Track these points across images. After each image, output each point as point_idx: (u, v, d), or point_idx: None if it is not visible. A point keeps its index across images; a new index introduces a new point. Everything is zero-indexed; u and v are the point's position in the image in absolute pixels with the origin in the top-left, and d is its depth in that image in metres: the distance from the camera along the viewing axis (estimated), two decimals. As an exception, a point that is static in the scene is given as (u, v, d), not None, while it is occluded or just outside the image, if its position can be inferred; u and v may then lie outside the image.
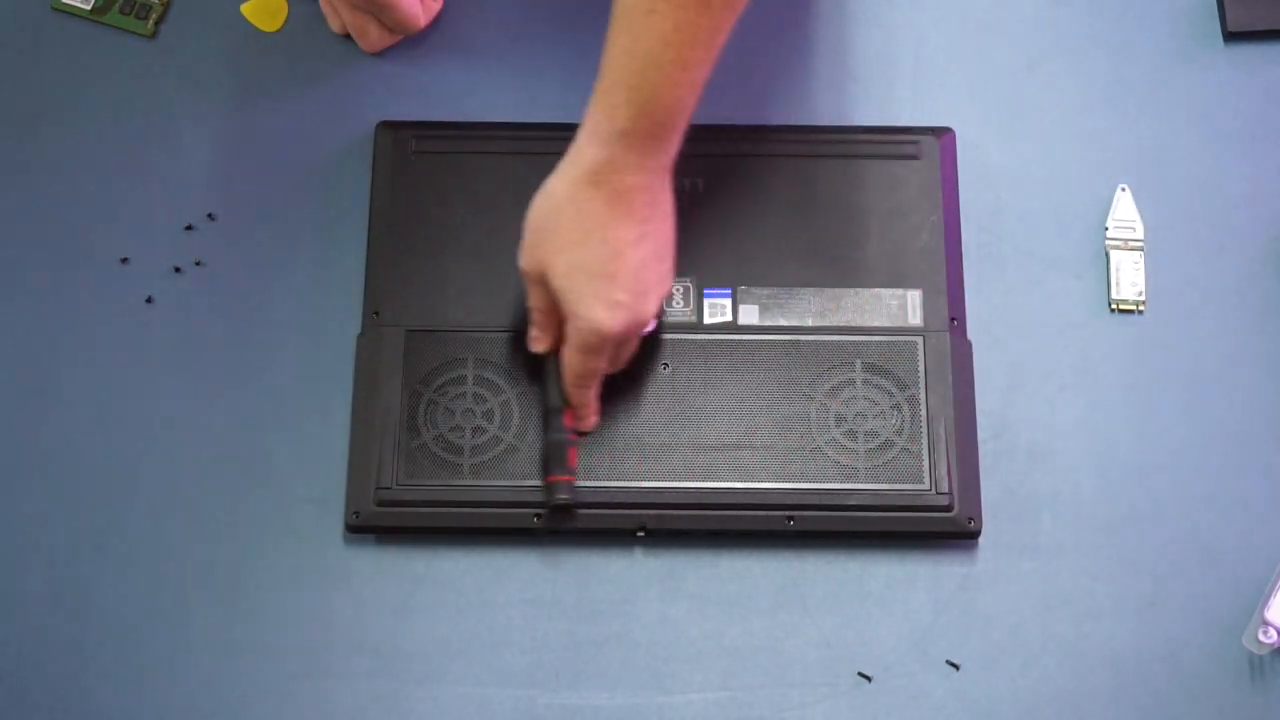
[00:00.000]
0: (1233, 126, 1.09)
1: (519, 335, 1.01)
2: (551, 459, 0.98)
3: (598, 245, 0.91)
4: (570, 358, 0.96)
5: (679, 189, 1.04)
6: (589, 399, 0.98)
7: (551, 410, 0.99)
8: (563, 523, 0.98)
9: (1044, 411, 1.03)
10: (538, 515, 0.99)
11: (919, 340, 1.02)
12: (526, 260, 0.94)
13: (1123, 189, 1.07)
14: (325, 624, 0.98)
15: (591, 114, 0.91)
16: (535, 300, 0.96)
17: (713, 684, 0.97)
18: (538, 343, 0.98)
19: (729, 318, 1.02)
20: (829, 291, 1.03)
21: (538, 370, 1.00)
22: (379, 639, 0.98)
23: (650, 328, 0.98)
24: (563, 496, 0.97)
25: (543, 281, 0.94)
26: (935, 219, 1.04)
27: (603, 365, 0.96)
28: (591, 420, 0.99)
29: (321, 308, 1.04)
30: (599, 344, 0.94)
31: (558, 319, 0.95)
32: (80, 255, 1.05)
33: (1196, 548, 1.00)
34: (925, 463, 0.99)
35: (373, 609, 0.99)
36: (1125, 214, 1.07)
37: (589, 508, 0.99)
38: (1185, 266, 1.06)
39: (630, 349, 0.98)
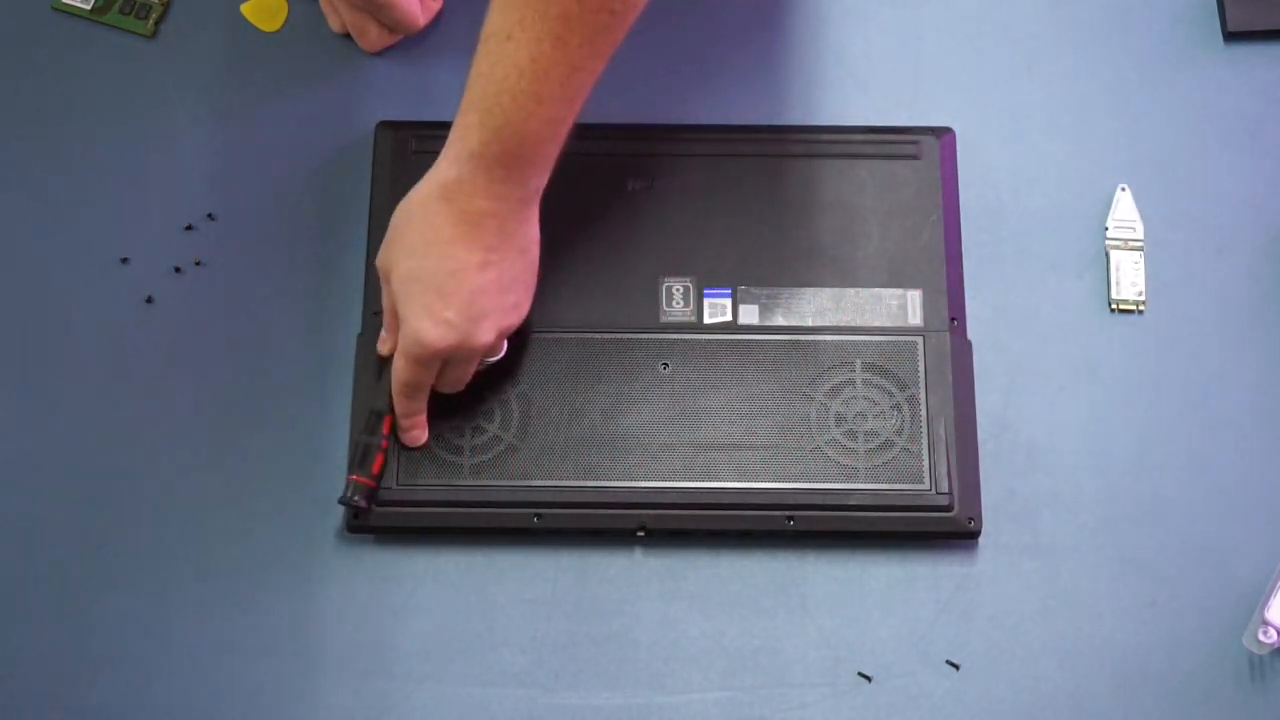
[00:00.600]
0: (1233, 126, 1.09)
1: (519, 335, 1.01)
2: (356, 458, 0.97)
3: (437, 260, 0.91)
4: (397, 363, 0.96)
5: (679, 188, 1.05)
6: (413, 410, 0.97)
7: (373, 412, 0.98)
8: (359, 521, 0.97)
9: (1044, 411, 1.03)
10: (538, 515, 0.99)
11: (919, 340, 1.02)
12: (379, 259, 0.95)
13: (1123, 189, 1.07)
14: (325, 624, 0.98)
15: (452, 131, 0.91)
16: (386, 299, 0.96)
17: (713, 684, 0.97)
18: (383, 344, 0.99)
19: (729, 318, 1.02)
20: (829, 291, 1.03)
21: (538, 370, 1.00)
22: (379, 639, 0.98)
23: (497, 356, 0.98)
24: (356, 498, 0.97)
25: (387, 282, 0.94)
26: (935, 219, 1.04)
27: (427, 379, 0.96)
28: (414, 434, 0.98)
29: (321, 308, 1.04)
30: (422, 356, 0.94)
31: (395, 316, 0.96)
32: (80, 255, 1.05)
33: (1196, 548, 1.00)
34: (925, 463, 0.99)
35: (373, 609, 0.99)
36: (1125, 214, 1.07)
37: (589, 508, 0.99)
38: (1185, 266, 1.06)
39: (462, 372, 0.97)
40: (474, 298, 0.93)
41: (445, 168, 0.91)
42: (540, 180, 0.93)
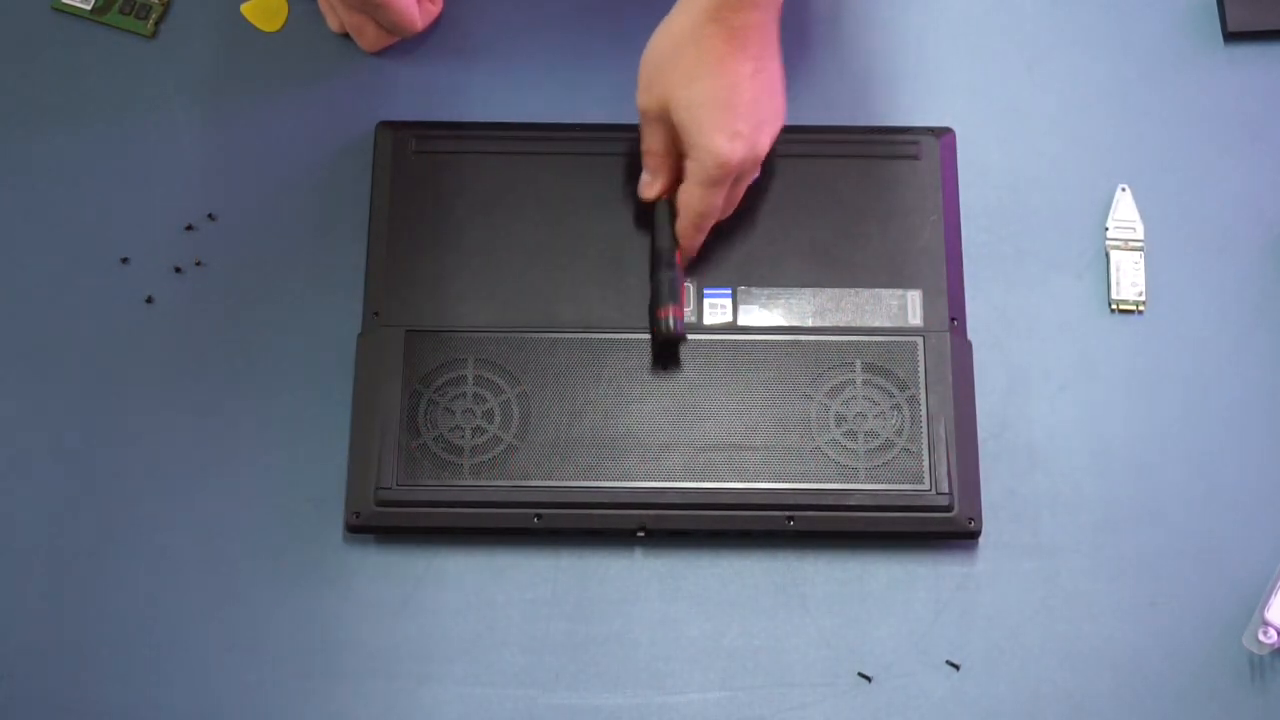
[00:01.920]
0: (1233, 126, 1.09)
1: (519, 335, 1.01)
2: (662, 294, 0.99)
3: (718, 78, 0.93)
4: (690, 194, 0.98)
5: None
6: (700, 242, 1.00)
7: (663, 250, 1.00)
8: (671, 349, 0.99)
9: (1044, 411, 1.03)
10: (538, 515, 0.99)
11: (919, 340, 1.02)
12: (645, 98, 0.96)
13: (1123, 189, 1.07)
14: (325, 624, 0.98)
15: None
16: (651, 141, 0.98)
17: (713, 684, 0.97)
18: (649, 188, 1.00)
19: (729, 318, 1.02)
20: (829, 291, 1.03)
21: (538, 370, 1.00)
22: (379, 639, 0.98)
23: (756, 175, 0.99)
24: (674, 327, 0.98)
25: (662, 118, 0.95)
26: (935, 219, 1.04)
27: (719, 202, 0.98)
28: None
29: (321, 308, 1.04)
30: (720, 176, 0.96)
31: (671, 161, 0.98)
32: (80, 255, 1.05)
33: (1196, 548, 1.00)
34: (925, 463, 0.99)
35: (373, 609, 0.99)
36: (1125, 214, 1.07)
37: (589, 508, 0.99)
38: (1185, 266, 1.06)
39: (742, 189, 1.00)
40: (755, 106, 0.95)
41: (701, 27, 0.93)
42: None
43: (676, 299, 0.99)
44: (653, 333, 1.00)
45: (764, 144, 0.97)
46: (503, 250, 1.03)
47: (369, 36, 1.08)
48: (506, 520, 0.99)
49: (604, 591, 0.99)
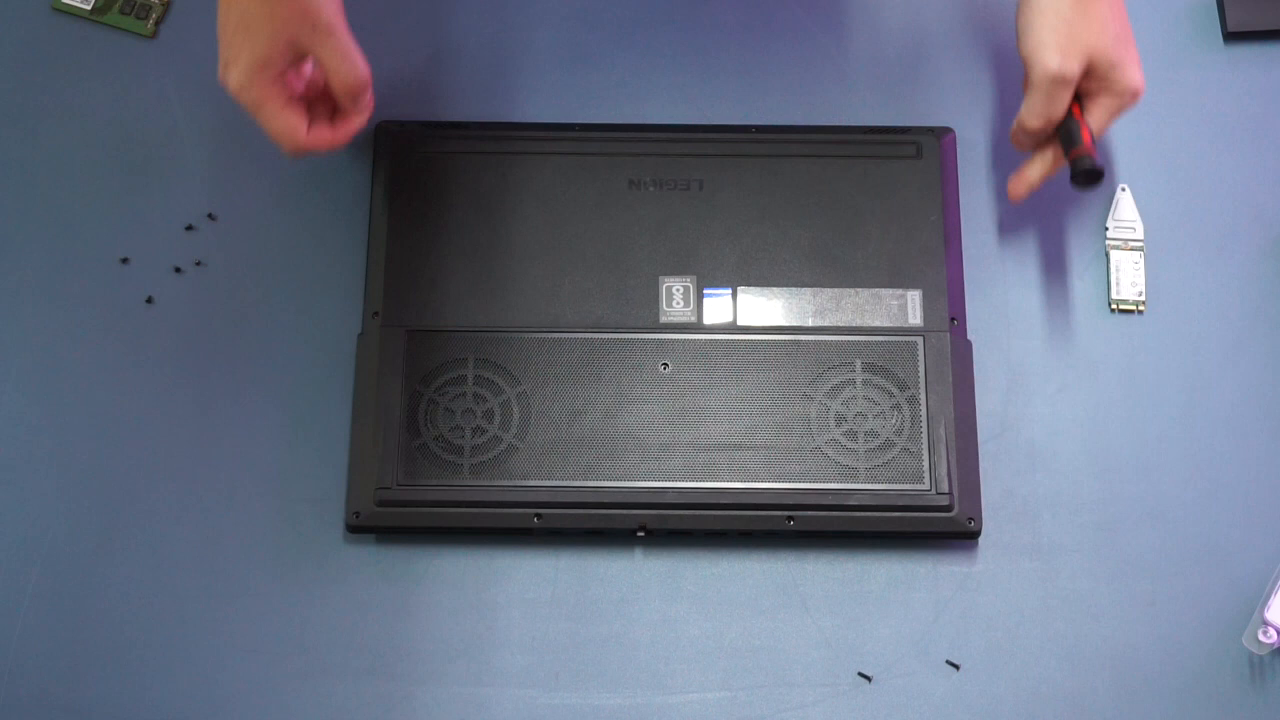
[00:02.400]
0: (1233, 126, 1.09)
1: (519, 335, 1.01)
2: (1072, 137, 0.99)
3: (1120, 19, 0.99)
4: (1106, 122, 1.01)
5: (680, 187, 1.05)
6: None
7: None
8: (1089, 184, 1.00)
9: (1044, 411, 1.03)
10: (538, 515, 0.99)
11: (919, 340, 1.02)
12: (1068, 61, 0.98)
13: (1123, 189, 1.07)
14: (325, 624, 0.98)
15: None
16: (1058, 108, 0.99)
17: (713, 684, 0.97)
18: (1038, 172, 1.03)
19: (729, 318, 1.02)
20: (829, 291, 1.03)
21: (538, 370, 1.00)
22: (379, 639, 0.98)
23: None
24: (1089, 163, 0.98)
25: (1081, 71, 0.98)
26: (935, 219, 1.04)
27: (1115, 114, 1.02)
28: None
29: (321, 308, 1.04)
30: (1132, 104, 1.01)
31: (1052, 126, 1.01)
32: (80, 255, 1.05)
33: (1196, 548, 1.00)
34: (925, 463, 0.99)
35: (373, 609, 0.99)
36: (1125, 214, 1.07)
37: (589, 508, 0.99)
38: (1185, 266, 1.06)
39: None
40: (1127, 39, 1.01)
41: None
42: None
43: (1081, 142, 1.00)
44: (1073, 176, 1.00)
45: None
46: (503, 250, 1.03)
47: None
48: (506, 520, 0.99)
49: (604, 591, 0.99)
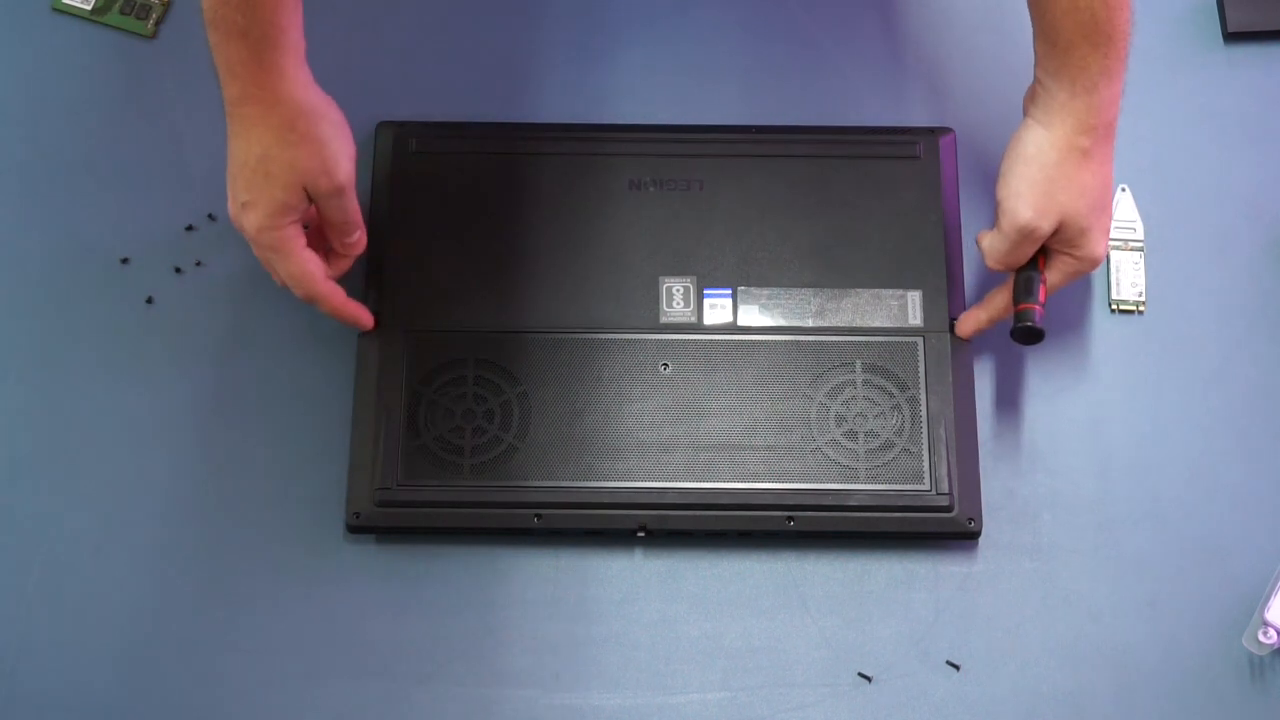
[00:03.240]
0: (1233, 126, 1.09)
1: (519, 335, 1.01)
2: (1021, 291, 0.98)
3: (1101, 187, 0.98)
4: (1060, 283, 1.00)
5: (679, 188, 1.05)
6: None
7: (1022, 274, 1.00)
8: (1027, 342, 0.99)
9: (1044, 411, 1.03)
10: (538, 515, 0.99)
11: (919, 340, 1.02)
12: (1041, 219, 0.96)
13: (1123, 189, 1.07)
14: (325, 624, 0.98)
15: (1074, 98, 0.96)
16: (1019, 257, 0.98)
17: (713, 684, 0.97)
18: (976, 320, 1.02)
19: (729, 318, 1.02)
20: (829, 291, 1.03)
21: (538, 370, 1.00)
22: (379, 639, 0.98)
23: None
24: (1029, 321, 0.98)
25: (1051, 231, 0.96)
26: (935, 219, 1.04)
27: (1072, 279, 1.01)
28: None
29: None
30: (1090, 271, 1.00)
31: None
32: (80, 255, 1.05)
33: (1196, 548, 1.00)
34: (925, 463, 0.99)
35: (373, 609, 0.99)
36: (1125, 214, 1.07)
37: (589, 508, 0.99)
38: (1185, 266, 1.06)
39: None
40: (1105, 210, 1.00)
41: (1078, 141, 0.97)
42: None
43: (1034, 296, 0.98)
44: (1013, 330, 0.99)
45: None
46: (503, 250, 1.03)
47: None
48: (506, 520, 0.99)
49: (604, 591, 0.99)
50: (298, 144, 0.94)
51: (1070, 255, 0.98)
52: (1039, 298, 0.98)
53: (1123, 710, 0.97)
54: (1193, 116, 1.09)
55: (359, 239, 1.00)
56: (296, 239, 0.97)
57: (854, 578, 1.00)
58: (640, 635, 0.98)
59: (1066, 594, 0.99)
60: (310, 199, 0.96)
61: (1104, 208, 0.98)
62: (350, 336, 1.02)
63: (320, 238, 1.00)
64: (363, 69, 1.10)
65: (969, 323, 1.02)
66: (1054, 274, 0.99)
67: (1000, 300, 1.01)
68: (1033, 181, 0.96)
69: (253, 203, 0.95)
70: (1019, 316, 0.98)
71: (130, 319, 1.04)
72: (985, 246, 0.99)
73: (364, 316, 1.01)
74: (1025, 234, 0.96)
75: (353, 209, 0.98)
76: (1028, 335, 0.98)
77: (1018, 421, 1.03)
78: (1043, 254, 0.99)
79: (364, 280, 1.03)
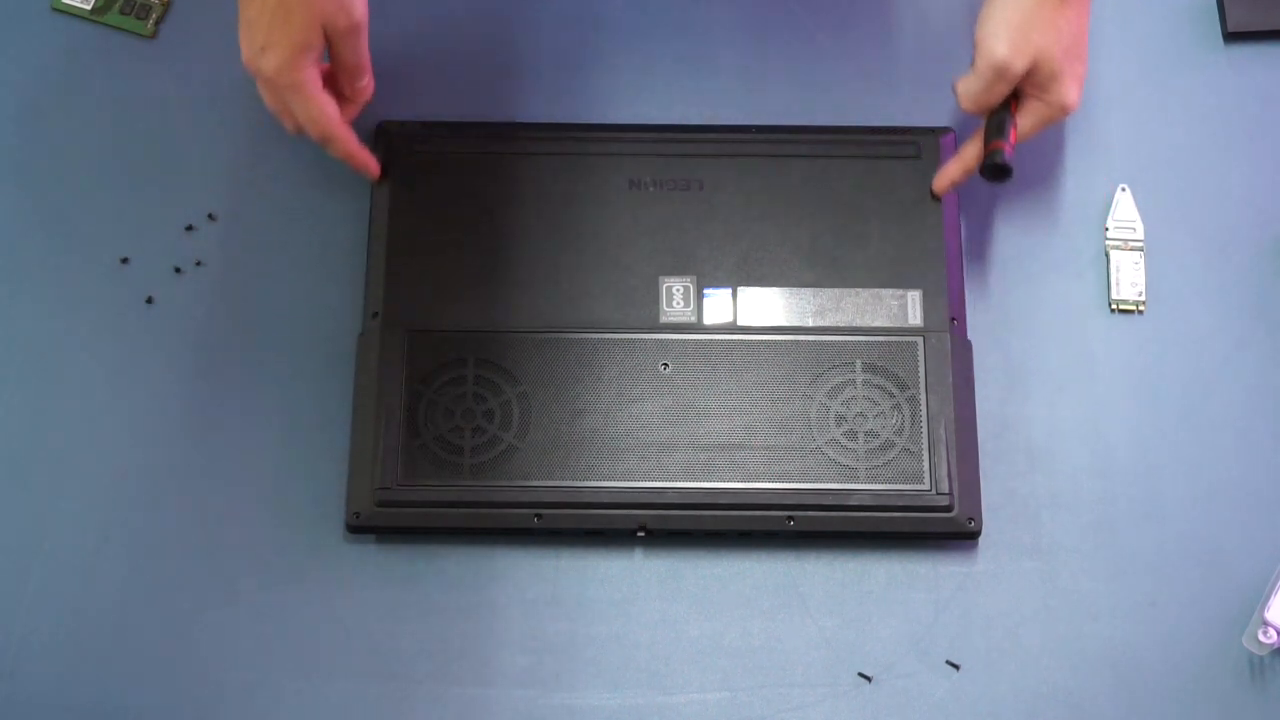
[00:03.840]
0: (1233, 126, 1.09)
1: (519, 335, 1.01)
2: (993, 129, 1.00)
3: (1078, 33, 0.99)
4: (1030, 129, 1.01)
5: (680, 188, 1.05)
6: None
7: (994, 115, 1.01)
8: (996, 178, 1.00)
9: (1044, 411, 1.03)
10: (538, 515, 0.99)
11: (919, 340, 1.02)
12: (1015, 55, 0.98)
13: (1123, 189, 1.07)
14: (325, 624, 0.98)
15: None
16: (993, 97, 1.00)
17: (713, 684, 0.97)
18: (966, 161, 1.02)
19: (729, 318, 1.02)
20: (829, 291, 1.03)
21: (538, 370, 1.00)
22: (379, 639, 0.98)
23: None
24: (999, 158, 0.99)
25: (1025, 70, 0.98)
26: (935, 219, 1.04)
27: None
28: None
29: (321, 308, 1.04)
30: (1060, 119, 1.02)
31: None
32: (80, 255, 1.05)
33: (1196, 548, 1.00)
34: (925, 463, 0.99)
35: (373, 609, 0.99)
36: (1125, 214, 1.07)
37: (589, 508, 0.99)
38: (1185, 266, 1.06)
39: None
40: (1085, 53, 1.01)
41: None
42: None
43: (1005, 135, 1.00)
44: (982, 167, 1.00)
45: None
46: (503, 250, 1.03)
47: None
48: (506, 520, 0.99)
49: (604, 591, 0.99)
50: None
51: (1041, 100, 1.00)
52: (1010, 138, 1.00)
53: (1123, 710, 0.97)
54: (1193, 116, 1.09)
55: (368, 83, 1.02)
56: (315, 79, 0.98)
57: (854, 578, 1.00)
58: (640, 635, 0.98)
59: (1066, 594, 0.99)
60: (327, 39, 0.97)
61: (1079, 55, 1.00)
62: (350, 336, 1.02)
63: (330, 84, 1.01)
64: (363, 69, 1.10)
65: (943, 179, 1.04)
66: (1025, 118, 1.00)
67: (971, 151, 1.02)
68: (1009, 21, 0.98)
69: (272, 44, 0.96)
70: (989, 154, 0.99)
71: (130, 319, 1.04)
72: (960, 89, 1.01)
73: (372, 164, 1.03)
74: (999, 72, 0.98)
75: (365, 51, 0.99)
76: (996, 172, 1.00)
77: (1018, 421, 1.03)
78: (1015, 100, 1.01)
79: (365, 280, 1.03)
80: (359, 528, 0.99)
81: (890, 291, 1.03)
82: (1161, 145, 1.09)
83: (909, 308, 1.03)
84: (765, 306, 1.02)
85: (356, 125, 1.07)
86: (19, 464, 1.01)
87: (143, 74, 1.09)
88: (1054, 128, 1.08)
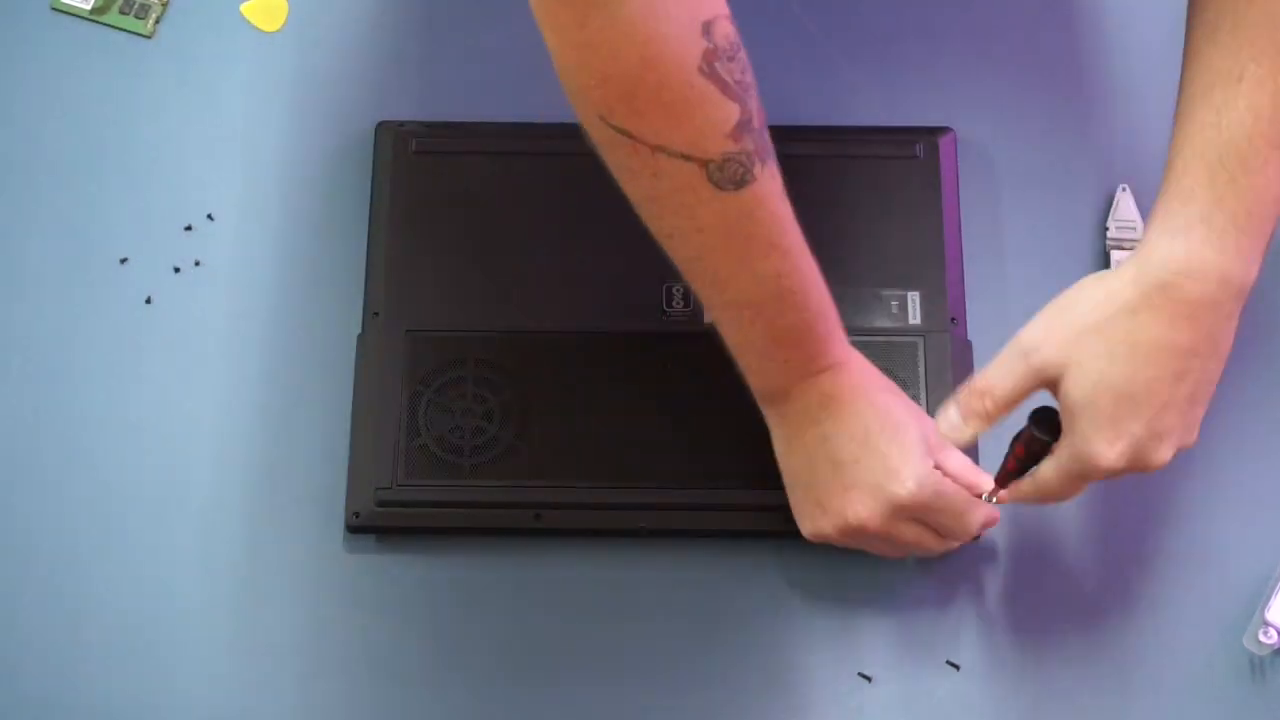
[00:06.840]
0: (1233, 126, 1.09)
1: (519, 335, 1.01)
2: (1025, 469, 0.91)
3: (1134, 366, 0.81)
4: (1049, 478, 0.87)
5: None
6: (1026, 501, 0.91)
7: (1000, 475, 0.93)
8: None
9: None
10: (538, 515, 0.99)
11: (919, 340, 1.02)
12: (1044, 345, 0.84)
13: (1123, 189, 1.07)
14: (325, 624, 0.98)
15: (1161, 201, 0.82)
16: (1003, 382, 0.87)
17: (713, 683, 0.97)
18: (957, 431, 0.89)
19: (729, 318, 1.02)
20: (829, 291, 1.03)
21: (538, 370, 1.00)
22: (379, 639, 0.98)
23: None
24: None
25: (1044, 373, 0.84)
26: (935, 219, 1.04)
27: (1076, 494, 0.88)
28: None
29: (321, 308, 1.04)
30: (1087, 476, 0.85)
31: (1002, 413, 0.88)
32: (80, 255, 1.05)
33: (1196, 548, 1.00)
34: (925, 463, 0.99)
35: (373, 609, 0.99)
36: (1125, 214, 1.07)
37: (589, 508, 0.99)
38: (1185, 266, 1.06)
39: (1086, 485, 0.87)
40: (1163, 413, 0.82)
41: (1162, 245, 0.80)
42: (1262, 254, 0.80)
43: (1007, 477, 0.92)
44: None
45: (1158, 457, 0.83)
46: (503, 250, 1.03)
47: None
48: (506, 520, 0.99)
49: (604, 591, 0.99)
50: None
51: (1064, 440, 0.86)
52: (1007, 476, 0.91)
53: (1123, 710, 0.97)
54: (1193, 116, 1.09)
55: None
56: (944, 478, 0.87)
57: (854, 578, 0.99)
58: (640, 635, 0.98)
59: (1066, 594, 0.99)
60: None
61: (1128, 397, 0.82)
62: (350, 336, 1.02)
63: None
64: (363, 69, 1.10)
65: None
66: (1049, 464, 0.87)
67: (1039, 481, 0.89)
68: (1113, 388, 0.81)
69: (901, 465, 0.85)
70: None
71: (130, 319, 1.04)
72: (1040, 477, 0.86)
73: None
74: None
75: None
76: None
77: (1017, 422, 1.02)
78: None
79: (365, 280, 1.03)
80: (359, 527, 0.99)
81: (890, 291, 1.03)
82: (1161, 145, 1.08)
83: (909, 308, 1.03)
84: (765, 306, 1.02)
85: (356, 125, 1.07)
86: (19, 463, 1.01)
87: (143, 74, 1.09)
88: (1054, 128, 1.08)
